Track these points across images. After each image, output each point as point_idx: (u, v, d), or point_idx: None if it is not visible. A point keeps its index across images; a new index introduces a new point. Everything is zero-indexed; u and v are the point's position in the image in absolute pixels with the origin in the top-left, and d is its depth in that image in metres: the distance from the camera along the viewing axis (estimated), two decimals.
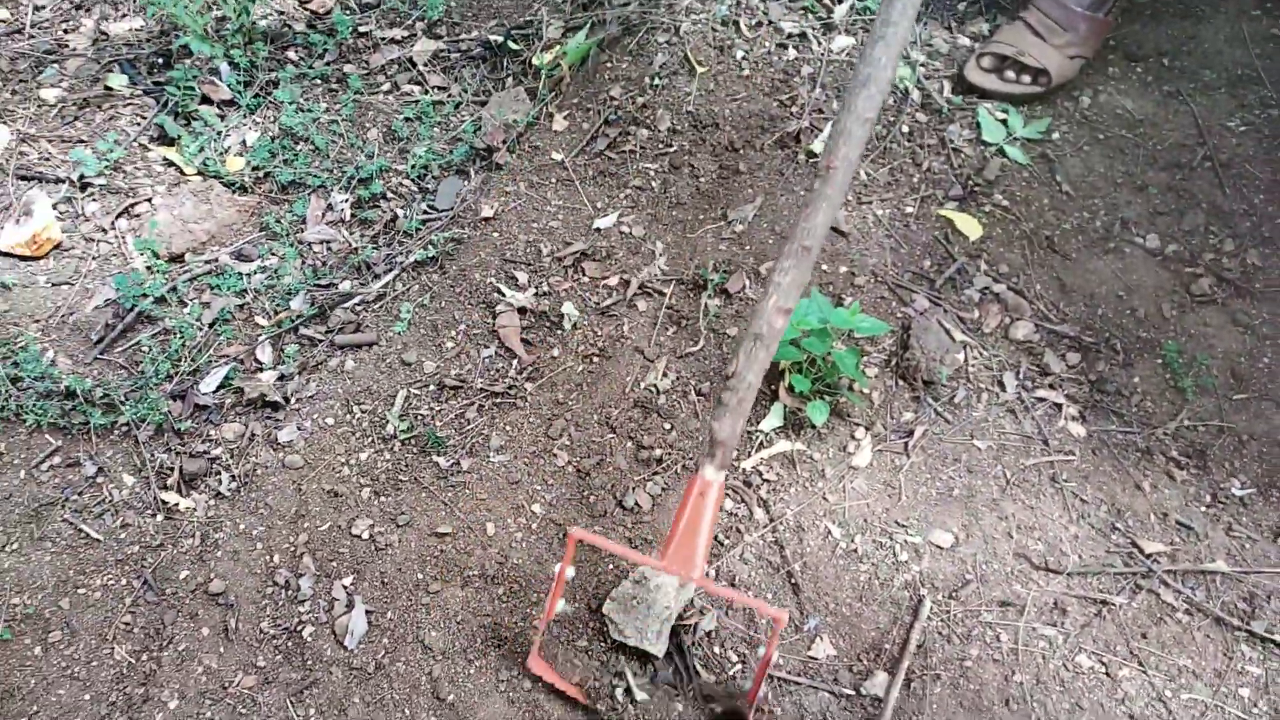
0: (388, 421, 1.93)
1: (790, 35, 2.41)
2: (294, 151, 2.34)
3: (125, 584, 1.78)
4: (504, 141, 2.30)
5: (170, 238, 2.18)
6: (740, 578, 1.73)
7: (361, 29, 2.57)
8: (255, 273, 2.17)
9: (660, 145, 2.28)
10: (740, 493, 1.81)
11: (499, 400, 1.96)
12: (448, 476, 1.87)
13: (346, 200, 2.26)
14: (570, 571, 1.53)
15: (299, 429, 1.94)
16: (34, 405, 1.95)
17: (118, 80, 2.47)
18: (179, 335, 2.06)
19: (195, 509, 1.85)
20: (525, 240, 2.16)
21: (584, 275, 2.11)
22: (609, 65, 2.41)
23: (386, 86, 2.47)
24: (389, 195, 2.28)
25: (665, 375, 1.96)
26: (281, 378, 2.01)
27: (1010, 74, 2.27)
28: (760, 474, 1.84)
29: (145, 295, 2.08)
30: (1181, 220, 2.14)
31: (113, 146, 2.32)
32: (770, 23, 2.43)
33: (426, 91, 2.46)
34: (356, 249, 2.20)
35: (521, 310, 2.06)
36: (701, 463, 1.46)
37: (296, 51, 2.53)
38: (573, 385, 1.97)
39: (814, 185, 1.50)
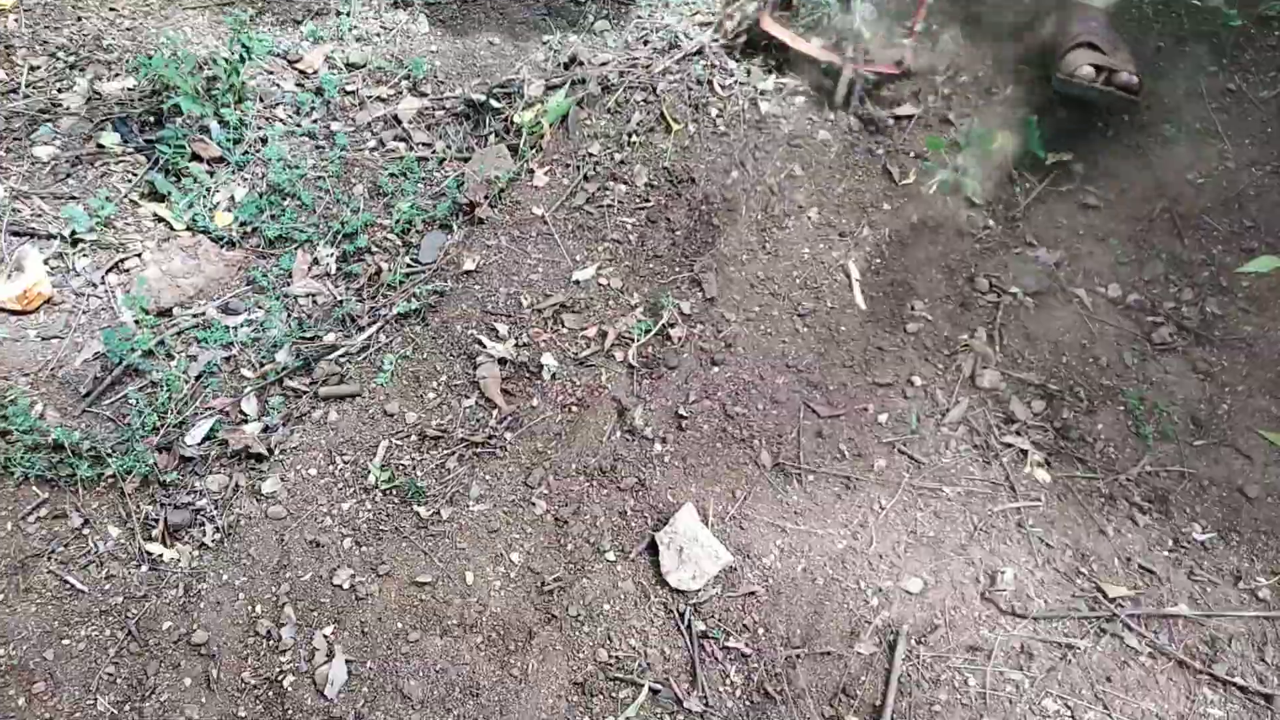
0: (369, 472, 1.97)
1: (763, 92, 2.49)
2: (281, 207, 2.40)
3: (109, 635, 1.81)
4: (486, 197, 2.37)
5: (159, 292, 2.24)
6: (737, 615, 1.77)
7: (348, 88, 2.64)
8: (242, 326, 2.22)
9: (638, 200, 2.34)
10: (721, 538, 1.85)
11: (479, 450, 2.00)
12: (428, 526, 1.90)
13: (332, 254, 2.32)
14: None
15: (282, 480, 1.97)
16: (22, 458, 1.98)
17: (110, 138, 2.53)
18: (166, 388, 2.10)
19: (179, 560, 1.89)
20: (506, 293, 2.22)
21: (563, 326, 2.16)
22: (588, 123, 2.49)
23: (372, 143, 2.55)
24: (374, 249, 2.34)
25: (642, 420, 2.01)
26: (266, 429, 2.05)
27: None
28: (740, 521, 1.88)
29: (133, 349, 2.13)
30: (1142, 270, 2.21)
31: (104, 203, 2.38)
32: (744, 81, 2.51)
33: (411, 148, 2.53)
34: (341, 302, 2.25)
35: (502, 361, 2.11)
36: None
37: (285, 109, 2.60)
38: (551, 434, 2.02)
39: None
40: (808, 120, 2.46)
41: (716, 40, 2.58)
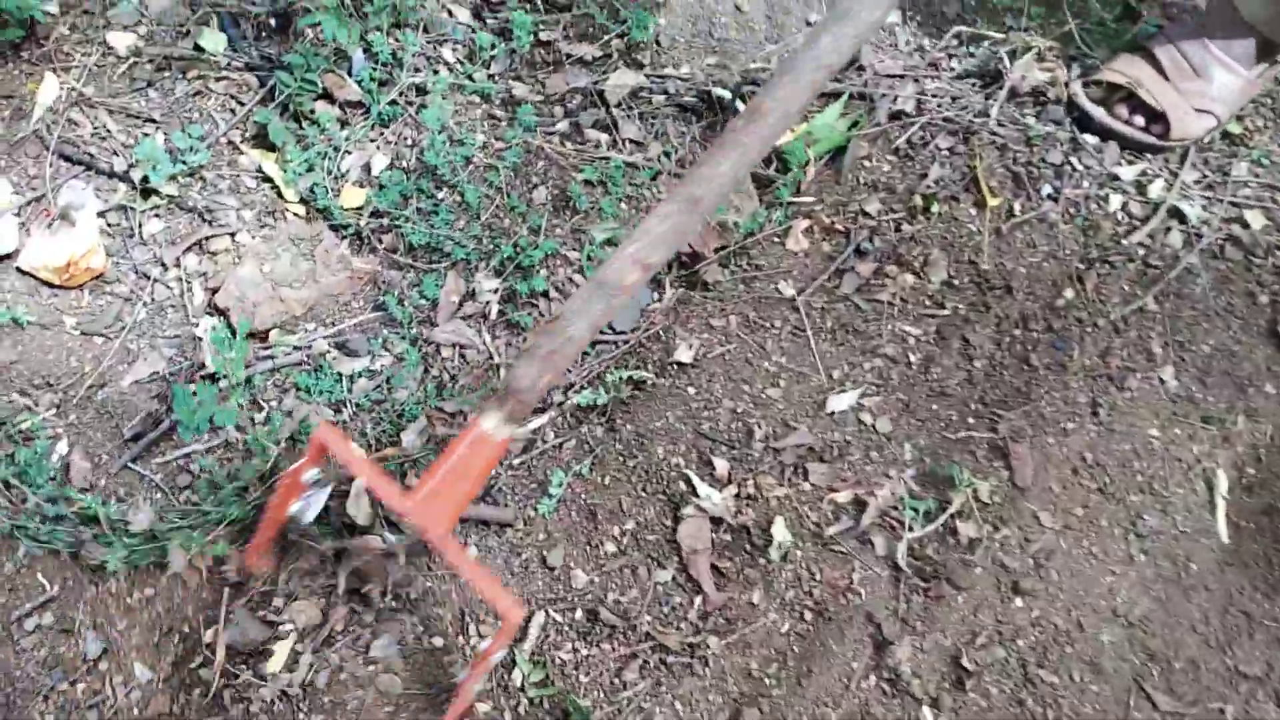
0: (515, 662, 1.37)
1: (1116, 179, 1.78)
2: (434, 201, 1.73)
3: None
4: (717, 250, 1.70)
5: (255, 306, 1.59)
6: None
7: (544, 35, 1.93)
8: (361, 375, 1.58)
9: (928, 301, 1.67)
10: None
11: (670, 659, 1.39)
12: None
13: (495, 290, 1.66)
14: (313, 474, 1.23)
15: (397, 643, 1.37)
16: (34, 527, 1.38)
17: (213, 40, 1.84)
18: (246, 454, 1.48)
19: None
20: (731, 410, 1.57)
21: (805, 480, 1.52)
22: (867, 163, 1.79)
23: (564, 127, 1.85)
24: (552, 293, 1.68)
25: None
26: None
27: (1122, 110, 1.79)
28: None
29: (217, 379, 1.51)
30: None
31: (195, 144, 1.71)
32: (1095, 154, 1.80)
33: (616, 144, 1.84)
34: (499, 366, 1.61)
35: (716, 521, 1.48)
36: (482, 410, 1.12)
37: (455, 51, 1.89)
38: (774, 653, 1.41)
39: (735, 125, 1.17)
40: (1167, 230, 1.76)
41: (1063, 89, 1.84)
